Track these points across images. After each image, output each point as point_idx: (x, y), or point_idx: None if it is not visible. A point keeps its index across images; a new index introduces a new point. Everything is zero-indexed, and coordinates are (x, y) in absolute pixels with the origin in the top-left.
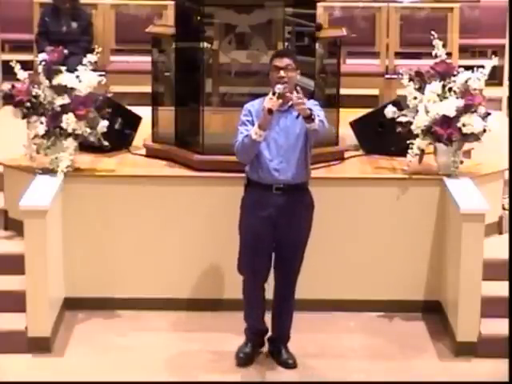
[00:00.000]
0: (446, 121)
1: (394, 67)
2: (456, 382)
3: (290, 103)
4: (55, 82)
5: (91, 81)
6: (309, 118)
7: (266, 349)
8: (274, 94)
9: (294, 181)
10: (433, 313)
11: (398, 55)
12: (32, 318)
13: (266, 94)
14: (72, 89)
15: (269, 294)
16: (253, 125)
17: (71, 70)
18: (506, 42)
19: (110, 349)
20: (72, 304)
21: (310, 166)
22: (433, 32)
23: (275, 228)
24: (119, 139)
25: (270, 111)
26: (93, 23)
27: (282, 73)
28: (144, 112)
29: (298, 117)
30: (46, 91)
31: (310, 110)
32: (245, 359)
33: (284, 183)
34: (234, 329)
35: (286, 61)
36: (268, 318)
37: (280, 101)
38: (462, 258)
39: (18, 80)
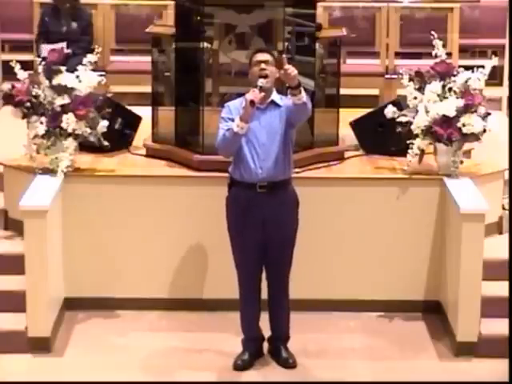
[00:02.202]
0: (445, 121)
1: (394, 67)
2: (456, 382)
3: (270, 99)
4: (55, 82)
5: (91, 81)
6: (296, 89)
7: (265, 348)
8: (255, 86)
9: (277, 178)
10: (433, 313)
11: (398, 55)
12: (32, 318)
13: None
14: (72, 89)
15: (264, 295)
16: (233, 121)
17: (71, 70)
18: (506, 41)
19: (110, 349)
20: (72, 304)
21: (292, 162)
22: (433, 32)
23: (262, 225)
24: (119, 139)
25: (252, 103)
26: (93, 23)
27: (263, 65)
28: (144, 112)
29: (287, 88)
30: (46, 91)
31: (298, 79)
32: (242, 365)
33: (267, 181)
34: (233, 329)
35: (267, 56)
36: (266, 319)
37: (262, 94)
38: (461, 258)
39: (18, 80)
